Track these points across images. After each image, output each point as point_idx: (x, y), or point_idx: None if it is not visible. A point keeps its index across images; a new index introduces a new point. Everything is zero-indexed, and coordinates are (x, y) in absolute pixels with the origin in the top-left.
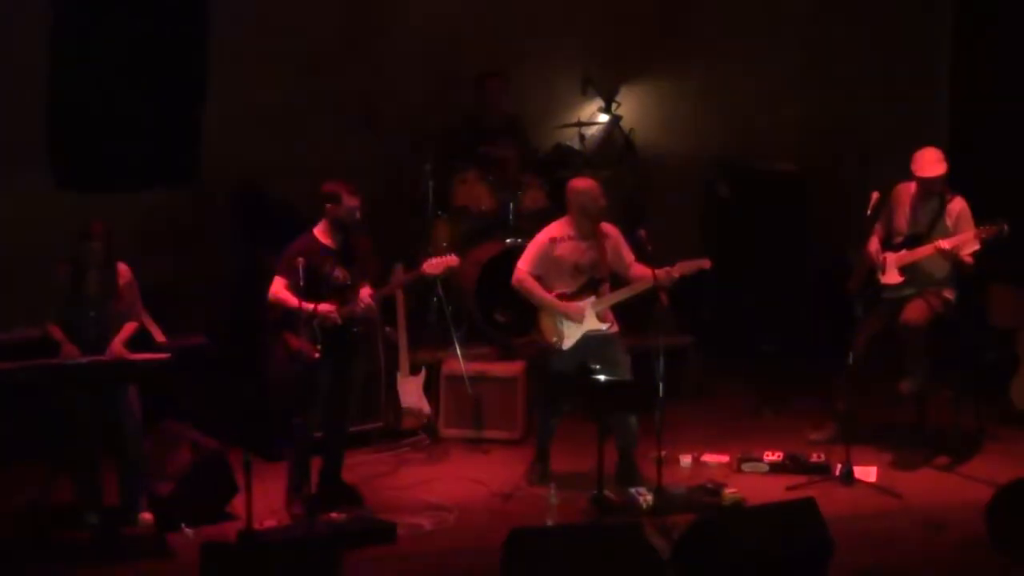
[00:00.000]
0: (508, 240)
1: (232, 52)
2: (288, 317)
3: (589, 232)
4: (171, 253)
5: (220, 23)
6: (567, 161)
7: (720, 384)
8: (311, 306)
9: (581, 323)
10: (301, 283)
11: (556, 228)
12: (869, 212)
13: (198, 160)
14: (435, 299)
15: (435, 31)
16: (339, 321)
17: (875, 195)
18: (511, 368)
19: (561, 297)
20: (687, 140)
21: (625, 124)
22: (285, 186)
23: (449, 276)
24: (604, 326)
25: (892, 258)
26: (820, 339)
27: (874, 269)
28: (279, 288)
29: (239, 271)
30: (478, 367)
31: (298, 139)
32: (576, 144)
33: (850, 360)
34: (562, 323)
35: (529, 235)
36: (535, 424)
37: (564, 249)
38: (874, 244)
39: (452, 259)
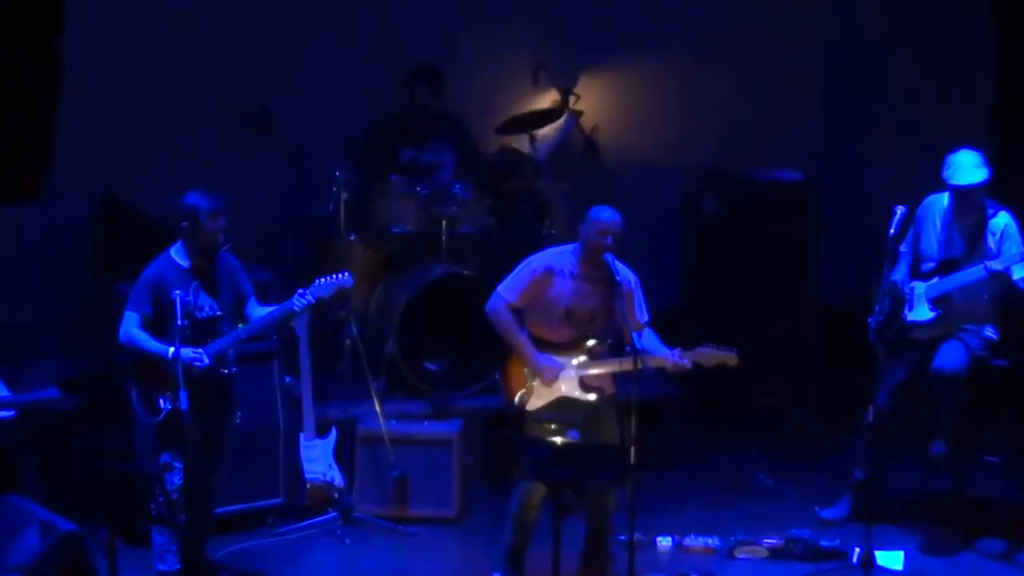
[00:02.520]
0: (439, 268)
1: (90, 38)
2: (146, 363)
3: (597, 275)
4: (16, 284)
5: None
6: (514, 169)
7: (709, 446)
8: (173, 348)
9: (556, 386)
10: (162, 317)
11: (558, 258)
12: (893, 231)
13: (47, 170)
14: (348, 341)
15: (349, 8)
16: (205, 365)
17: (900, 210)
18: (445, 429)
19: (542, 344)
20: (663, 142)
21: (586, 122)
22: (158, 199)
23: (369, 312)
24: (589, 397)
25: (921, 289)
26: (832, 390)
27: (899, 303)
28: (131, 327)
29: (102, 304)
30: (403, 428)
31: (173, 143)
32: (525, 148)
33: (870, 417)
34: (532, 377)
35: (467, 261)
36: (477, 500)
37: (561, 288)
38: (899, 272)
39: (344, 279)
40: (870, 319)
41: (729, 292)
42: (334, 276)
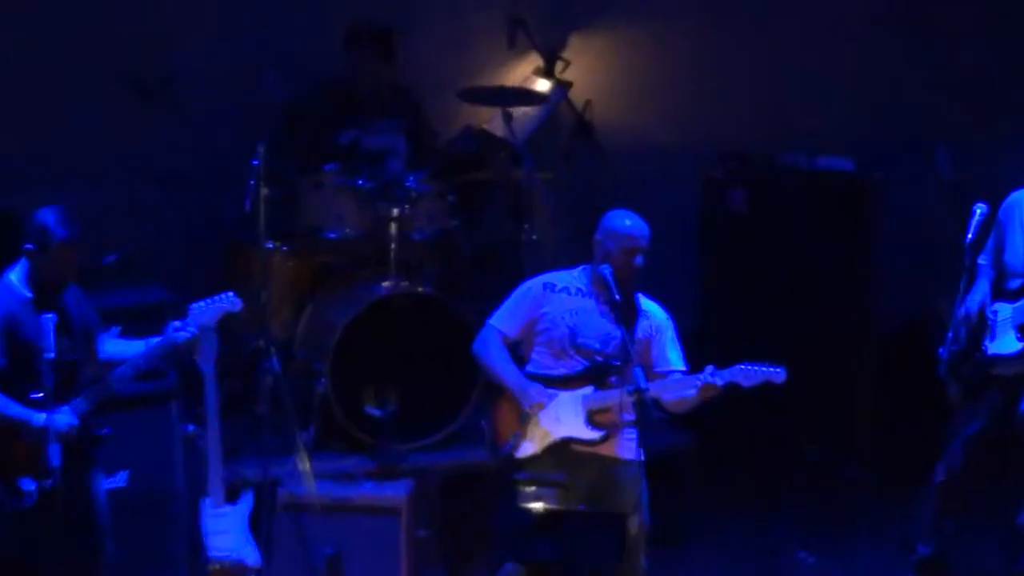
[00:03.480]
0: (387, 284)
1: None
2: None
3: (611, 298)
4: None
5: None
6: (484, 156)
7: (735, 511)
8: (44, 414)
9: (551, 419)
10: (16, 368)
11: (562, 277)
12: (971, 237)
13: None
14: (268, 378)
15: None
16: (75, 428)
17: (980, 210)
18: (392, 493)
19: (542, 378)
20: (675, 121)
21: (576, 96)
22: (29, 196)
23: (295, 341)
24: (594, 436)
25: (1007, 313)
26: (892, 441)
27: (978, 331)
28: None
29: None
30: (338, 491)
31: (49, 124)
32: (499, 129)
33: (941, 475)
34: (525, 418)
35: (422, 275)
36: None
37: (566, 303)
38: (979, 291)
39: (228, 301)
40: (941, 350)
41: (760, 314)
42: (217, 297)
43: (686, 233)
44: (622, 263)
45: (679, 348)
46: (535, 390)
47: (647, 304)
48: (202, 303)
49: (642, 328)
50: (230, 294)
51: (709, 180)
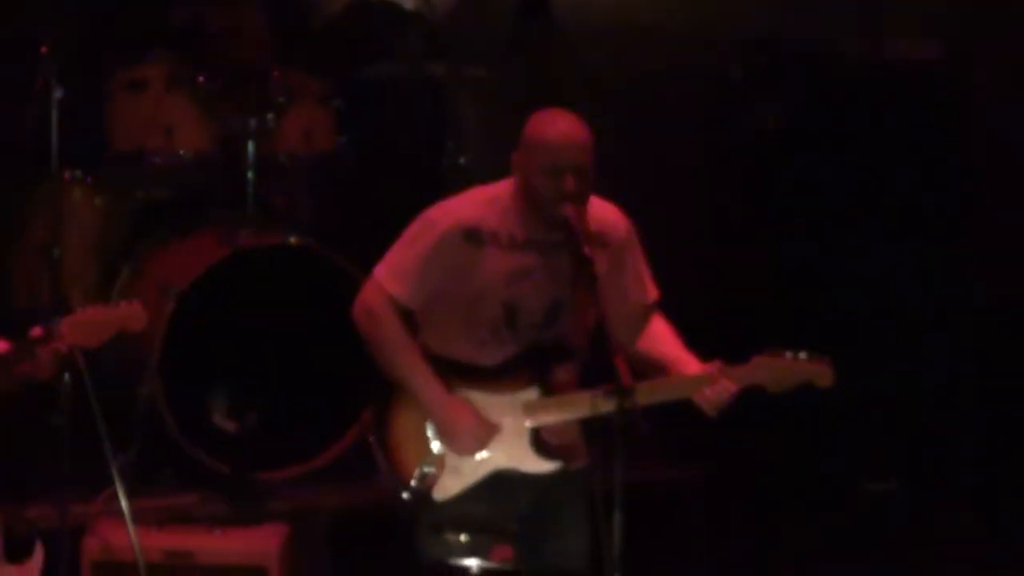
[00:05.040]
0: (244, 232)
1: None
2: None
3: (556, 238)
4: None
5: None
6: (386, 39)
7: (762, 569)
8: None
9: (484, 457)
10: None
11: (482, 212)
12: None
13: None
14: (66, 377)
15: None
16: None
17: None
18: (254, 540)
19: (458, 369)
20: None
21: None
22: None
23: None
24: (548, 466)
25: None
26: (994, 467)
27: None
28: None
29: None
30: (175, 538)
31: None
32: None
33: None
34: (435, 439)
35: (294, 218)
36: None
37: (494, 265)
38: None
39: (134, 309)
40: None
41: (798, 282)
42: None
43: (692, 163)
44: (546, 191)
45: (644, 270)
46: (469, 422)
47: (598, 213)
48: (89, 310)
49: (600, 262)
50: (136, 303)
51: (725, 83)
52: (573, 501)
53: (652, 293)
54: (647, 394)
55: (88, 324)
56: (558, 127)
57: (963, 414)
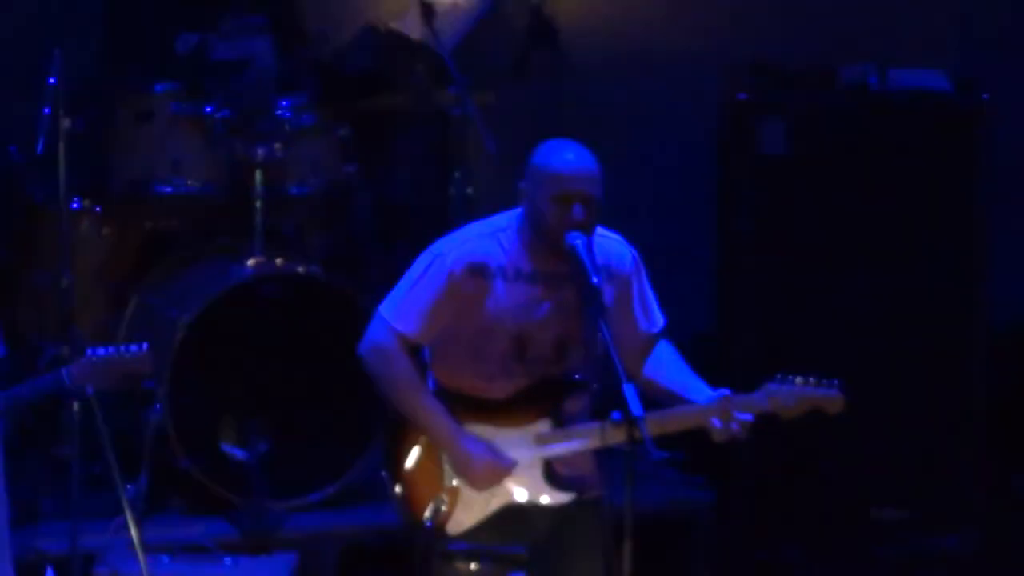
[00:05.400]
0: (251, 262)
1: None
2: None
3: (563, 271)
4: None
5: None
6: (394, 70)
7: None
8: None
9: (497, 490)
10: None
11: (488, 245)
12: None
13: None
14: (75, 404)
15: None
16: None
17: None
18: (263, 569)
19: (468, 405)
20: (681, 17)
21: None
22: None
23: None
24: (562, 498)
25: None
26: (1015, 493)
27: None
28: None
29: None
30: (183, 571)
31: None
32: (416, 29)
33: None
34: (451, 472)
35: (303, 248)
36: None
37: (502, 299)
38: None
39: (143, 354)
40: None
41: (807, 305)
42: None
43: (698, 186)
44: (554, 216)
45: (651, 300)
46: (483, 462)
47: (601, 244)
48: (97, 359)
49: (607, 294)
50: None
51: (733, 107)
52: (587, 530)
53: (659, 321)
54: (657, 425)
55: (97, 367)
56: (566, 156)
57: (979, 438)
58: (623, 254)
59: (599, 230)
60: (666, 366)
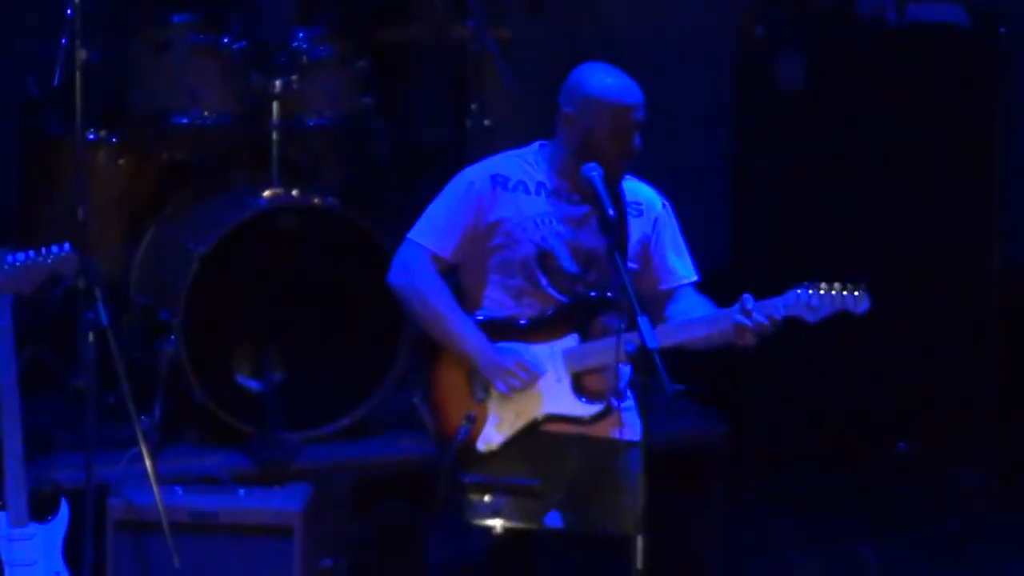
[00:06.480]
0: (267, 193)
1: None
2: None
3: (582, 191)
4: None
5: None
6: (410, 4)
7: (784, 532)
8: None
9: (529, 396)
10: None
11: (514, 164)
12: None
13: None
14: (91, 336)
15: None
16: None
17: None
18: (279, 506)
19: (498, 327)
20: None
21: None
22: None
23: (131, 280)
24: (589, 410)
25: None
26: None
27: None
28: None
29: None
30: (198, 502)
31: None
32: None
33: None
34: (482, 387)
35: (320, 180)
36: None
37: (525, 209)
38: None
39: (62, 261)
40: None
41: (823, 243)
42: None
43: (712, 120)
44: (613, 146)
45: (685, 248)
46: (514, 362)
47: (632, 186)
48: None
49: (635, 229)
50: (66, 246)
51: (750, 41)
52: (625, 469)
53: (692, 271)
54: (678, 330)
55: (19, 272)
56: (622, 85)
57: (992, 375)
58: (653, 198)
59: (630, 177)
60: (695, 305)
